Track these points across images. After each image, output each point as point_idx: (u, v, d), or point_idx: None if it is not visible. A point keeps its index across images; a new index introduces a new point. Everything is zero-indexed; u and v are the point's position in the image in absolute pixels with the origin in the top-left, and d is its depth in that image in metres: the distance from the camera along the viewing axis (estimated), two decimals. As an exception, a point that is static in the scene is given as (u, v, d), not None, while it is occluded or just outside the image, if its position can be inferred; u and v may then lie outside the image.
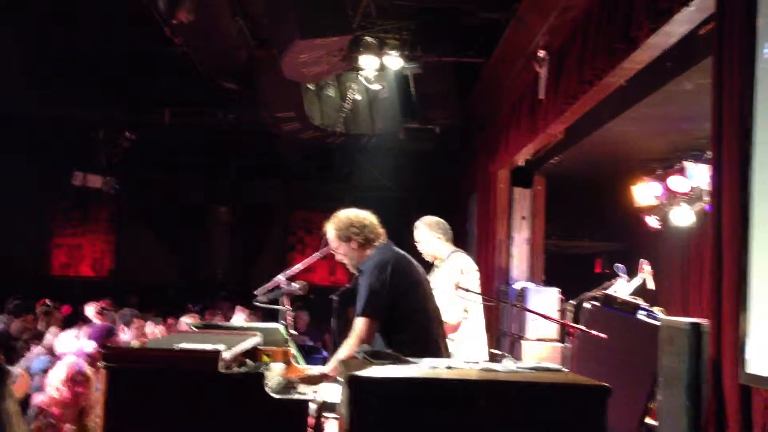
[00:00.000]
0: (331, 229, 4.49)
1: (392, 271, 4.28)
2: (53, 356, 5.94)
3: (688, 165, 7.60)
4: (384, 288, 4.22)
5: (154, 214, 14.87)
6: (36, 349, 6.21)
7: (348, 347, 4.09)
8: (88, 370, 4.48)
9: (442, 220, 6.12)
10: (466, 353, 5.55)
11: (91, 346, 5.25)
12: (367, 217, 4.51)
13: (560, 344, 7.72)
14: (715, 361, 3.85)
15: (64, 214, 15.14)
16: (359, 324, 4.18)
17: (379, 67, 8.10)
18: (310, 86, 9.09)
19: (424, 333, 4.37)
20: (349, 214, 4.51)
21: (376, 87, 9.21)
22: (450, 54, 9.27)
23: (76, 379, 4.38)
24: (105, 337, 5.54)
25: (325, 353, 10.96)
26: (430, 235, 5.98)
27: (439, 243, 5.97)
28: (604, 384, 2.88)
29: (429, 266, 6.02)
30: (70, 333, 6.20)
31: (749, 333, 3.63)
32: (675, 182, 7.79)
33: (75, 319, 8.67)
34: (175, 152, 13.65)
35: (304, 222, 15.33)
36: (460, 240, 6.47)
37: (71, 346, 5.39)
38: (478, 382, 2.98)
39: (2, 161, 12.16)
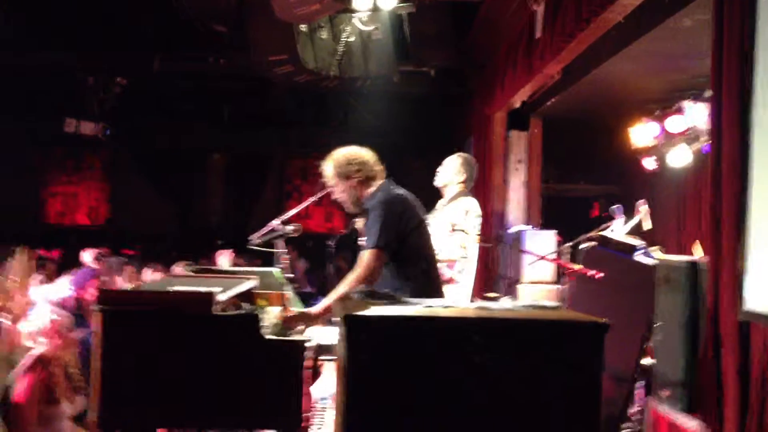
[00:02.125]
0: (329, 168, 4.43)
1: (404, 207, 4.25)
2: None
3: (687, 105, 7.50)
4: (396, 222, 4.18)
5: (147, 161, 14.77)
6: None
7: (356, 277, 4.05)
8: (59, 317, 4.43)
9: (474, 165, 6.23)
10: (455, 293, 5.56)
11: (60, 293, 5.22)
12: (365, 153, 4.46)
13: (557, 286, 7.73)
14: (714, 298, 3.84)
15: (58, 162, 15.04)
16: (368, 255, 4.13)
17: (373, 8, 7.92)
18: (303, 28, 8.92)
19: (427, 271, 4.36)
20: (347, 151, 4.46)
21: (369, 28, 9.04)
22: (445, -7, 9.11)
23: (59, 329, 4.37)
24: (87, 281, 5.50)
25: (321, 299, 11.01)
26: (456, 167, 6.02)
27: (455, 177, 6.00)
28: (602, 320, 2.85)
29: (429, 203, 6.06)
30: (65, 280, 6.18)
31: (748, 269, 3.61)
32: (673, 122, 7.71)
33: (71, 267, 8.65)
34: (167, 99, 13.48)
35: (300, 169, 15.25)
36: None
37: (41, 294, 5.33)
38: (475, 320, 2.95)
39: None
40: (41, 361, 4.32)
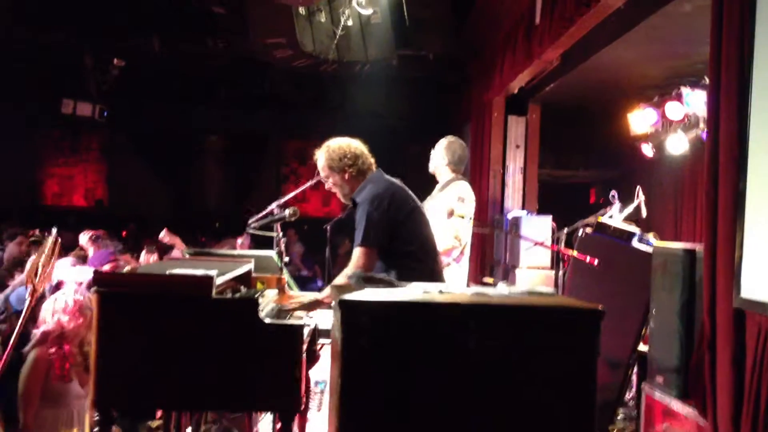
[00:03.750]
0: (322, 160, 4.43)
1: (390, 200, 4.26)
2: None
3: (685, 91, 7.49)
4: (382, 217, 4.20)
5: (145, 143, 14.76)
6: (20, 277, 6.19)
7: (345, 277, 4.07)
8: (83, 297, 4.48)
9: (460, 147, 6.10)
10: (451, 280, 5.57)
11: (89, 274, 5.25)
12: (359, 146, 4.45)
13: (553, 272, 7.74)
14: (710, 285, 3.85)
15: (55, 143, 15.01)
16: (357, 253, 4.17)
17: (372, -9, 7.89)
18: (301, 11, 8.89)
19: (424, 258, 4.37)
20: (341, 143, 4.44)
21: (368, 12, 9.01)
22: (445, -22, 9.07)
23: (82, 308, 4.40)
24: (106, 261, 5.53)
25: (319, 282, 11.03)
26: (440, 153, 6.04)
27: (440, 161, 6.00)
28: (598, 306, 2.87)
29: (426, 187, 6.06)
30: (64, 261, 6.18)
31: (744, 257, 3.62)
32: (672, 109, 7.70)
33: (68, 249, 8.65)
34: (166, 80, 13.45)
35: (298, 152, 15.24)
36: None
37: (74, 275, 5.38)
38: (471, 306, 2.95)
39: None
40: (53, 338, 4.34)
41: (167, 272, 3.43)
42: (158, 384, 3.31)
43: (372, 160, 4.46)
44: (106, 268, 5.83)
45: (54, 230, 4.19)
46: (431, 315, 2.91)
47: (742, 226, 3.64)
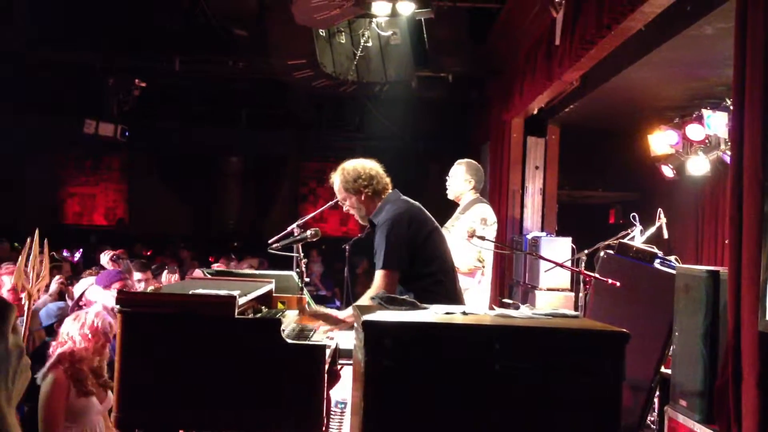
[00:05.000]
0: (338, 182, 4.43)
1: (409, 222, 4.24)
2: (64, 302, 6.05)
3: (706, 113, 7.46)
4: (402, 240, 4.19)
5: (165, 163, 14.86)
6: (43, 297, 6.23)
7: (368, 299, 4.05)
8: (105, 319, 4.49)
9: (480, 168, 6.16)
10: (474, 302, 5.56)
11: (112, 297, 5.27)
12: (373, 167, 4.45)
13: (573, 293, 7.70)
14: (734, 308, 3.82)
15: (76, 163, 15.15)
16: (379, 277, 4.15)
17: (391, 13, 7.91)
18: (322, 33, 8.96)
19: (443, 280, 4.35)
20: (355, 165, 4.44)
21: (388, 33, 9.07)
22: (464, -1, 9.11)
23: (105, 330, 4.40)
24: (114, 281, 5.55)
25: (338, 303, 11.04)
26: (462, 175, 6.05)
27: (465, 186, 6.05)
28: (623, 330, 2.85)
29: (446, 208, 6.07)
30: (86, 281, 6.22)
31: (769, 280, 3.59)
32: (692, 130, 7.66)
33: (89, 267, 8.70)
34: (186, 101, 13.57)
35: (316, 172, 15.29)
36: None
37: (99, 297, 5.41)
38: (496, 328, 2.95)
39: (14, 110, 12.13)
40: (67, 356, 4.34)
41: (190, 292, 3.45)
42: (181, 403, 3.31)
43: (387, 180, 4.44)
44: (116, 286, 5.85)
45: (36, 233, 4.24)
46: (455, 337, 2.91)
47: (767, 248, 3.61)
